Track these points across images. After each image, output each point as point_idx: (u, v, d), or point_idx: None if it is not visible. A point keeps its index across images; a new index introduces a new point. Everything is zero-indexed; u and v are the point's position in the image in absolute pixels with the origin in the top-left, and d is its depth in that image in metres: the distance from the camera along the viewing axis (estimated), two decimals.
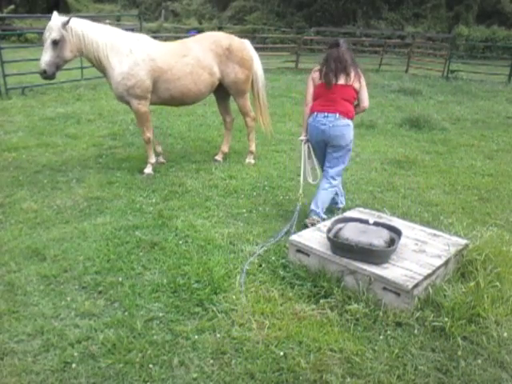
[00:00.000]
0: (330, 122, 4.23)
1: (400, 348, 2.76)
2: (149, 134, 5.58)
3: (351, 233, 3.36)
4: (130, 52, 5.25)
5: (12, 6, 24.74)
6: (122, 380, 2.50)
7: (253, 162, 6.18)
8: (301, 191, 4.48)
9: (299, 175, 4.64)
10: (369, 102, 4.42)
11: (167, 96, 5.55)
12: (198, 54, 5.57)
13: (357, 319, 2.98)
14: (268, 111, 6.36)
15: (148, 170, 5.60)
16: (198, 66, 5.55)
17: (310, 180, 4.54)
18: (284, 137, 7.57)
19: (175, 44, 5.76)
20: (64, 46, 4.99)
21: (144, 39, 5.52)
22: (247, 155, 6.25)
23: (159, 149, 6.01)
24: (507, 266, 3.36)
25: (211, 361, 2.64)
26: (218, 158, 6.21)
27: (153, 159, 5.65)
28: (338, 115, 4.23)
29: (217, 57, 5.66)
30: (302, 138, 4.50)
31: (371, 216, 3.94)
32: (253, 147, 6.23)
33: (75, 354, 2.66)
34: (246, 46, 5.95)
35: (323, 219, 4.23)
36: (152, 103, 5.56)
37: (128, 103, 5.47)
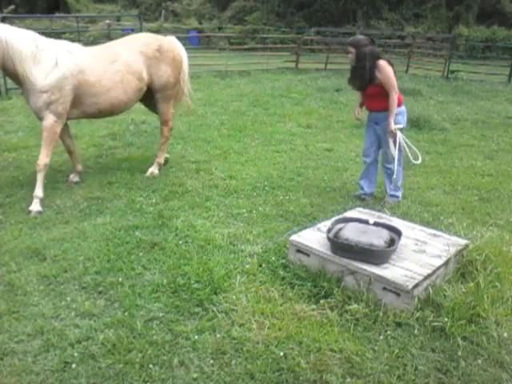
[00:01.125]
0: None
1: (400, 348, 2.76)
2: (48, 160, 4.69)
3: (351, 233, 3.36)
4: (55, 64, 4.55)
5: (12, 6, 24.75)
6: (122, 380, 2.50)
7: (156, 172, 5.56)
8: (395, 176, 4.81)
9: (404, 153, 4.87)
10: None
11: (94, 110, 4.94)
12: (128, 59, 5.02)
13: (357, 319, 2.98)
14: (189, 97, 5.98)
15: (35, 206, 4.51)
16: (127, 73, 4.99)
17: (418, 161, 4.82)
18: (284, 137, 7.57)
19: (102, 49, 5.15)
20: None
21: (68, 46, 4.83)
22: (153, 165, 5.61)
23: (79, 167, 5.37)
24: (507, 266, 3.36)
25: (211, 361, 2.64)
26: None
27: (41, 193, 4.62)
28: None
29: (147, 60, 5.16)
30: (400, 125, 4.83)
31: (371, 216, 3.93)
32: (161, 159, 5.67)
33: (75, 354, 2.66)
34: (176, 46, 5.52)
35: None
36: (74, 118, 4.98)
37: (41, 119, 4.70)
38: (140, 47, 5.18)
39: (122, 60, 5.00)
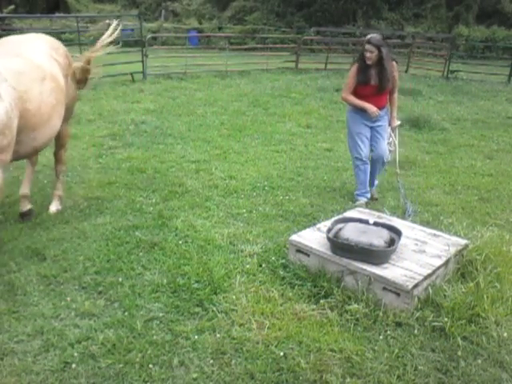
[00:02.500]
0: None
1: (400, 348, 2.76)
2: None
3: (351, 233, 3.36)
4: None
5: (12, 6, 24.71)
6: (122, 380, 2.50)
7: (60, 208, 4.43)
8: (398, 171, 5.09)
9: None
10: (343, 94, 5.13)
11: (29, 149, 3.71)
12: (52, 71, 3.75)
13: (357, 319, 2.98)
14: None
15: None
16: (59, 91, 3.78)
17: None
18: (284, 137, 7.57)
19: (15, 58, 3.58)
20: None
21: None
22: (53, 200, 4.45)
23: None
24: (507, 266, 3.37)
25: (211, 361, 2.64)
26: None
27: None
28: None
29: (62, 70, 3.94)
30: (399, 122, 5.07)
31: (371, 216, 3.94)
32: (61, 191, 4.50)
33: (75, 354, 2.65)
34: None
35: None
36: None
37: None
38: (51, 52, 3.91)
39: (49, 73, 3.70)
